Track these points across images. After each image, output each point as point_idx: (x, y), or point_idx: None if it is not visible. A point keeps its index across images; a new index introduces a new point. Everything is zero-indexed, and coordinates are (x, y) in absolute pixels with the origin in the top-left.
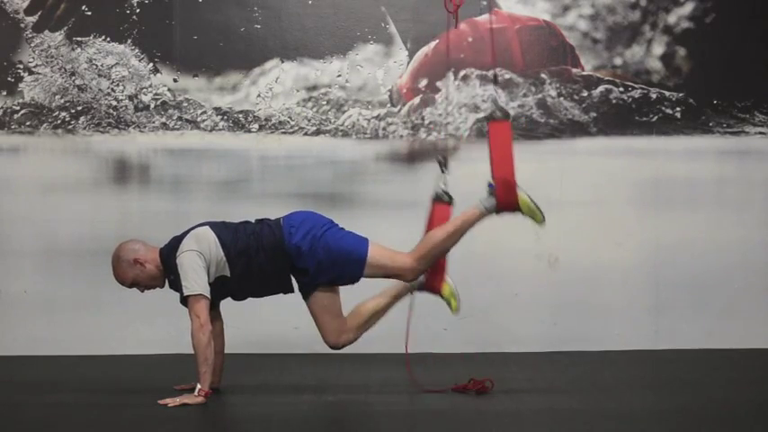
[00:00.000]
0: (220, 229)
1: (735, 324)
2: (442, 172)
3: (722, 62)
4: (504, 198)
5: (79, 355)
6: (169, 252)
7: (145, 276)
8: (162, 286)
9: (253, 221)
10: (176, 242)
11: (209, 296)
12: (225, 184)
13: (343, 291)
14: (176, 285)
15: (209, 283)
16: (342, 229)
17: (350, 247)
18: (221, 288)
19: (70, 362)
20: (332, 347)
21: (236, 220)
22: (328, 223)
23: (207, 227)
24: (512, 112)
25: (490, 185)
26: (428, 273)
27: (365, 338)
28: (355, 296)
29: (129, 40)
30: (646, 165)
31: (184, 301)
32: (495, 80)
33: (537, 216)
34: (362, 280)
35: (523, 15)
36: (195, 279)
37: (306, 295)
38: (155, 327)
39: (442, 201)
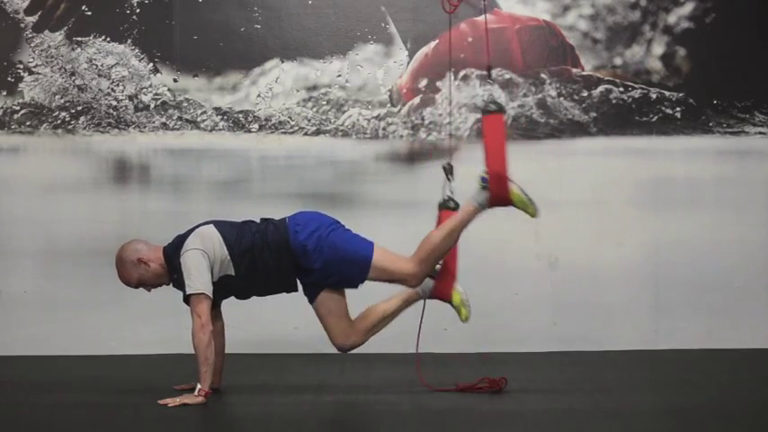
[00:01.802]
0: (225, 227)
1: (735, 324)
2: (448, 180)
3: (722, 62)
4: (497, 191)
5: (79, 355)
6: (173, 250)
7: (150, 275)
8: (168, 284)
9: (257, 221)
10: (180, 240)
11: (211, 296)
12: (225, 184)
13: (352, 294)
14: (180, 284)
15: (213, 282)
16: (347, 230)
17: (356, 248)
18: (225, 287)
19: (70, 362)
20: (339, 350)
21: (237, 220)
22: (334, 223)
23: (211, 225)
24: (509, 111)
25: (483, 179)
26: (437, 280)
27: None
28: (365, 299)
29: (129, 40)
30: (646, 165)
31: (187, 299)
32: (489, 74)
33: (529, 208)
34: (372, 284)
35: (523, 15)
36: (198, 278)
37: (311, 298)
38: (155, 327)
39: (449, 207)
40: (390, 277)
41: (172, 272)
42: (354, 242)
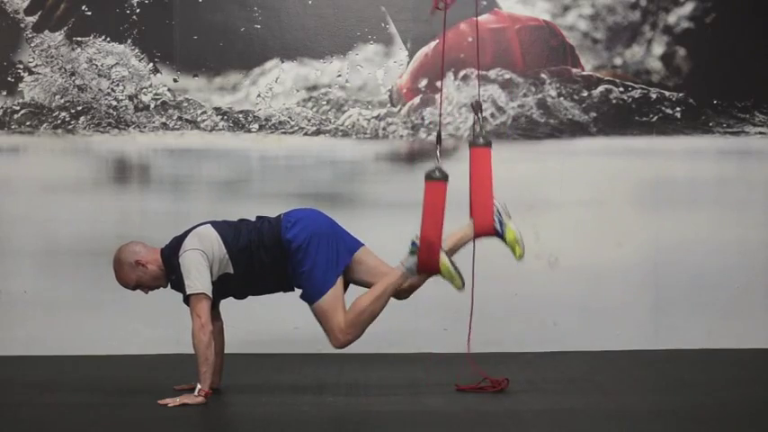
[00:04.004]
0: (222, 227)
1: (735, 324)
2: (477, 117)
3: (722, 62)
4: (426, 259)
5: (79, 355)
6: (171, 252)
7: (148, 277)
8: (165, 286)
9: (254, 219)
10: (178, 242)
11: (211, 296)
12: (225, 184)
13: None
14: (179, 285)
15: (213, 282)
16: (330, 248)
17: (317, 277)
18: (224, 286)
19: (70, 362)
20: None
21: (233, 220)
22: (326, 228)
23: (209, 225)
24: (509, 111)
25: (413, 243)
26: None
27: (365, 338)
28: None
29: (129, 40)
30: (646, 165)
31: (187, 300)
32: (438, 140)
33: (456, 281)
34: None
35: (523, 15)
36: (198, 278)
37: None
38: (155, 327)
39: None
40: (322, 325)
41: (170, 273)
42: (321, 271)
